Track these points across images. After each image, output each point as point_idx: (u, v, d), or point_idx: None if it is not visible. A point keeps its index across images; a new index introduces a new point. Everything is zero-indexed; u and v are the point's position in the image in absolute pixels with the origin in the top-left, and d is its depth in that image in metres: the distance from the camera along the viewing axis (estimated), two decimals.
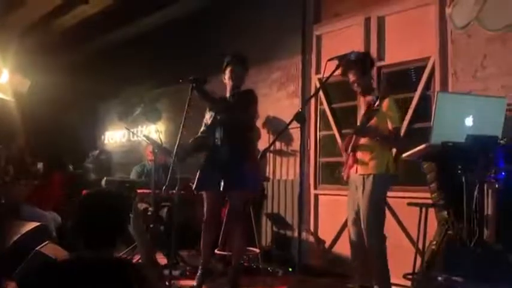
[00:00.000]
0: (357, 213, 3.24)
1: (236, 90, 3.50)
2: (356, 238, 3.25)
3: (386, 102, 3.22)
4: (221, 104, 3.47)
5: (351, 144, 3.30)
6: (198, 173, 3.46)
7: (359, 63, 3.22)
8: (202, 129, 3.61)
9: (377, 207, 3.15)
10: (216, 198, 3.41)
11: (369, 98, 3.32)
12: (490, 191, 2.79)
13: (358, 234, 3.23)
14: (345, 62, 2.97)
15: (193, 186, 3.45)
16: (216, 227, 3.52)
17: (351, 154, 3.30)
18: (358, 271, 3.31)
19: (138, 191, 4.44)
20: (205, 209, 3.46)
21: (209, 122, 3.52)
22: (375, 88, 3.49)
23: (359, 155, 3.24)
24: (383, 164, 3.17)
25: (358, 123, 3.34)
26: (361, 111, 3.44)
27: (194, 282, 3.40)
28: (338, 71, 2.97)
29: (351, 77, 3.31)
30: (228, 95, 3.53)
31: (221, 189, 3.29)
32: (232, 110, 3.41)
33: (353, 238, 3.28)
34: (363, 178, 3.17)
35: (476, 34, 3.61)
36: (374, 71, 4.23)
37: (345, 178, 3.41)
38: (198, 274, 3.45)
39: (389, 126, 3.15)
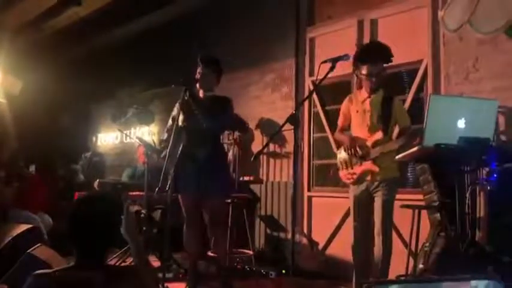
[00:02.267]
0: (369, 217, 3.11)
1: (210, 94, 3.40)
2: (362, 242, 3.15)
3: (397, 101, 3.15)
4: (203, 107, 3.35)
5: (376, 151, 3.04)
6: (172, 175, 3.28)
7: (385, 53, 3.03)
8: (165, 137, 3.45)
9: (393, 209, 3.08)
10: (193, 200, 3.34)
11: (374, 95, 3.11)
12: (482, 192, 2.81)
13: (365, 238, 3.13)
14: (369, 51, 2.80)
15: (168, 186, 3.20)
16: (199, 228, 3.44)
17: (370, 160, 3.06)
18: (359, 277, 3.17)
19: (131, 193, 4.42)
20: (184, 211, 3.40)
21: (181, 124, 3.38)
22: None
23: (380, 160, 3.03)
24: (398, 167, 3.11)
25: (372, 122, 3.08)
26: (364, 106, 3.13)
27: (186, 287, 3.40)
28: (331, 74, 2.94)
29: (375, 68, 3.04)
30: (201, 96, 3.41)
31: (197, 192, 3.25)
32: (213, 115, 3.29)
33: (359, 242, 3.16)
34: (384, 182, 3.02)
35: (468, 37, 3.64)
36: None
37: (348, 182, 3.20)
38: (187, 278, 3.44)
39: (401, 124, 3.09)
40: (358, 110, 3.16)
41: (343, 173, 3.22)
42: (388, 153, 2.99)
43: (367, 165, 3.06)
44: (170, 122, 3.46)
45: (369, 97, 3.13)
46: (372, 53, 3.05)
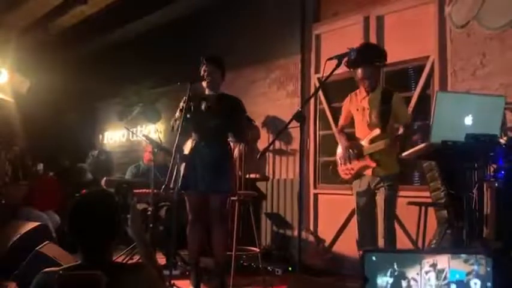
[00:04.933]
0: (372, 213, 3.16)
1: (217, 93, 3.41)
2: (367, 239, 3.18)
3: (396, 97, 3.16)
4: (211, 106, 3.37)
5: (370, 148, 3.12)
6: (182, 172, 3.36)
7: (377, 53, 3.08)
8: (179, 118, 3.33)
9: (395, 205, 3.14)
10: (198, 197, 3.37)
11: (372, 93, 3.17)
12: (489, 189, 2.80)
13: (370, 233, 3.17)
14: (355, 56, 2.79)
15: (179, 184, 3.31)
16: (202, 226, 3.45)
17: (366, 156, 3.14)
18: None
19: (137, 191, 4.44)
20: (188, 209, 3.42)
21: (189, 120, 3.36)
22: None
23: (377, 156, 3.10)
24: (398, 163, 3.16)
25: (371, 119, 3.14)
26: (363, 104, 3.19)
27: (190, 286, 3.41)
28: (337, 71, 2.92)
29: (368, 70, 3.11)
30: (208, 93, 3.43)
31: (202, 189, 3.28)
32: (222, 114, 3.33)
33: (363, 237, 3.21)
34: (386, 178, 3.08)
35: (475, 33, 3.61)
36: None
37: (346, 178, 3.30)
38: (191, 276, 3.46)
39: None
40: (358, 108, 3.25)
41: (341, 169, 3.33)
42: (385, 149, 3.06)
43: (364, 161, 3.15)
44: (178, 113, 3.41)
45: (368, 95, 3.20)
46: (364, 55, 3.05)
